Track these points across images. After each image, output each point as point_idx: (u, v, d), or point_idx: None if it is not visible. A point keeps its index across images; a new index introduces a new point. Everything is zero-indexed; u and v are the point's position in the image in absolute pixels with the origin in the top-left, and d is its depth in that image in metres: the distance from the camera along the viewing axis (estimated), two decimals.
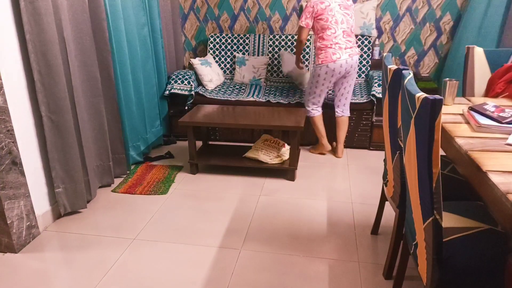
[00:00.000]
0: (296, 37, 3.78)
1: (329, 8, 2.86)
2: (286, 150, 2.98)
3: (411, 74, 1.31)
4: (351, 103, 3.29)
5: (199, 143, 3.27)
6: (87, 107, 2.54)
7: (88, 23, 2.45)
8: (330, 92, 3.40)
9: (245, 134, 3.55)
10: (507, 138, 1.48)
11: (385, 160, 1.93)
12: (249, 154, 3.00)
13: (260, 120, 2.84)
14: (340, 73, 2.96)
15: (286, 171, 2.94)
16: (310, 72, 3.47)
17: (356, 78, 3.76)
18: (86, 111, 2.53)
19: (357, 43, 3.61)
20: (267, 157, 2.94)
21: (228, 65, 4.01)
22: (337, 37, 2.89)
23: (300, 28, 2.95)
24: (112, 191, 2.75)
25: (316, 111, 3.14)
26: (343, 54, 2.90)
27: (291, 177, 2.88)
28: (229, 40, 3.97)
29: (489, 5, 3.37)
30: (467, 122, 1.67)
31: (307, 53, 3.83)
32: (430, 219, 1.17)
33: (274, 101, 3.42)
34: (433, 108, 1.04)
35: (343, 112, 3.18)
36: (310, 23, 2.92)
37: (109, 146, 2.72)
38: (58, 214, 2.41)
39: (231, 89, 3.73)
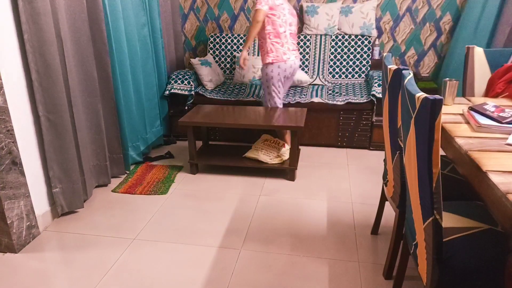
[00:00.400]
0: None
1: (282, 6, 2.87)
2: (286, 150, 2.98)
3: (411, 74, 1.31)
4: (351, 103, 3.29)
5: (199, 143, 3.27)
6: (84, 106, 2.54)
7: (85, 23, 2.45)
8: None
9: (245, 134, 3.54)
10: (507, 138, 1.48)
11: (385, 160, 1.93)
12: (249, 154, 3.00)
13: (260, 120, 2.84)
14: (290, 73, 2.99)
15: (286, 171, 2.94)
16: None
17: (356, 78, 3.76)
18: (83, 111, 2.53)
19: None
20: (267, 157, 2.94)
21: (228, 65, 4.01)
22: (287, 37, 2.91)
23: (259, 11, 2.74)
24: (112, 191, 2.75)
25: None
26: (291, 55, 2.93)
27: (291, 177, 2.88)
28: (229, 40, 3.96)
29: (486, 5, 3.34)
30: (467, 122, 1.67)
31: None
32: (430, 219, 1.17)
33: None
34: (433, 108, 1.04)
35: None
36: (268, 10, 2.81)
37: (106, 146, 2.71)
38: (58, 214, 2.41)
39: (231, 89, 3.73)
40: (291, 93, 3.56)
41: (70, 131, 2.31)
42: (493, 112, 1.65)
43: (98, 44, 2.57)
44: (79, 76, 2.47)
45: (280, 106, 3.11)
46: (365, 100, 3.28)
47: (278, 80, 2.97)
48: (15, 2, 1.99)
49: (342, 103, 3.30)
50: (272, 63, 2.90)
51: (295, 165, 2.87)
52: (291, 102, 3.38)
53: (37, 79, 2.12)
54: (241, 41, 3.94)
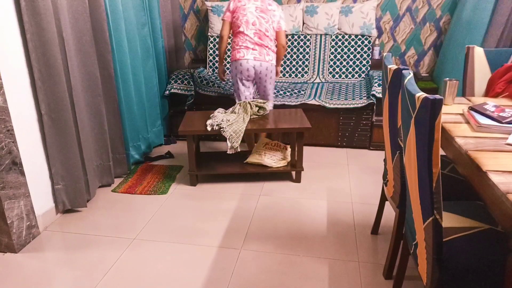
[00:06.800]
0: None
1: (243, 7, 2.84)
2: (289, 152, 2.93)
3: (411, 74, 1.31)
4: (351, 103, 3.29)
5: (200, 143, 3.25)
6: (87, 106, 2.54)
7: (88, 23, 2.45)
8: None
9: (245, 135, 3.50)
10: (507, 138, 1.48)
11: (385, 160, 1.93)
12: (252, 159, 2.90)
13: (264, 124, 2.74)
14: (247, 73, 2.87)
15: (290, 173, 2.91)
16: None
17: (356, 78, 3.76)
18: (86, 111, 2.54)
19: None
20: (272, 161, 2.86)
21: (228, 65, 4.01)
22: (246, 36, 2.85)
23: (222, 23, 2.89)
24: (112, 191, 2.75)
25: None
26: (247, 54, 2.84)
27: (298, 179, 2.83)
28: (229, 40, 3.96)
29: (478, 4, 3.29)
30: (467, 122, 1.67)
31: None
32: (430, 219, 1.17)
33: (276, 102, 3.41)
34: (433, 108, 1.04)
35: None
36: (229, 17, 2.89)
37: (109, 145, 2.72)
38: (58, 214, 2.41)
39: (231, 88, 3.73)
40: (288, 93, 3.56)
41: (72, 130, 2.31)
42: (493, 112, 1.65)
43: (100, 44, 2.57)
44: (81, 75, 2.48)
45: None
46: (364, 100, 3.28)
47: (236, 78, 2.93)
48: (17, 1, 2.00)
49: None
50: (231, 62, 2.94)
51: (302, 166, 2.82)
52: (291, 102, 3.38)
53: (39, 78, 2.13)
54: None
